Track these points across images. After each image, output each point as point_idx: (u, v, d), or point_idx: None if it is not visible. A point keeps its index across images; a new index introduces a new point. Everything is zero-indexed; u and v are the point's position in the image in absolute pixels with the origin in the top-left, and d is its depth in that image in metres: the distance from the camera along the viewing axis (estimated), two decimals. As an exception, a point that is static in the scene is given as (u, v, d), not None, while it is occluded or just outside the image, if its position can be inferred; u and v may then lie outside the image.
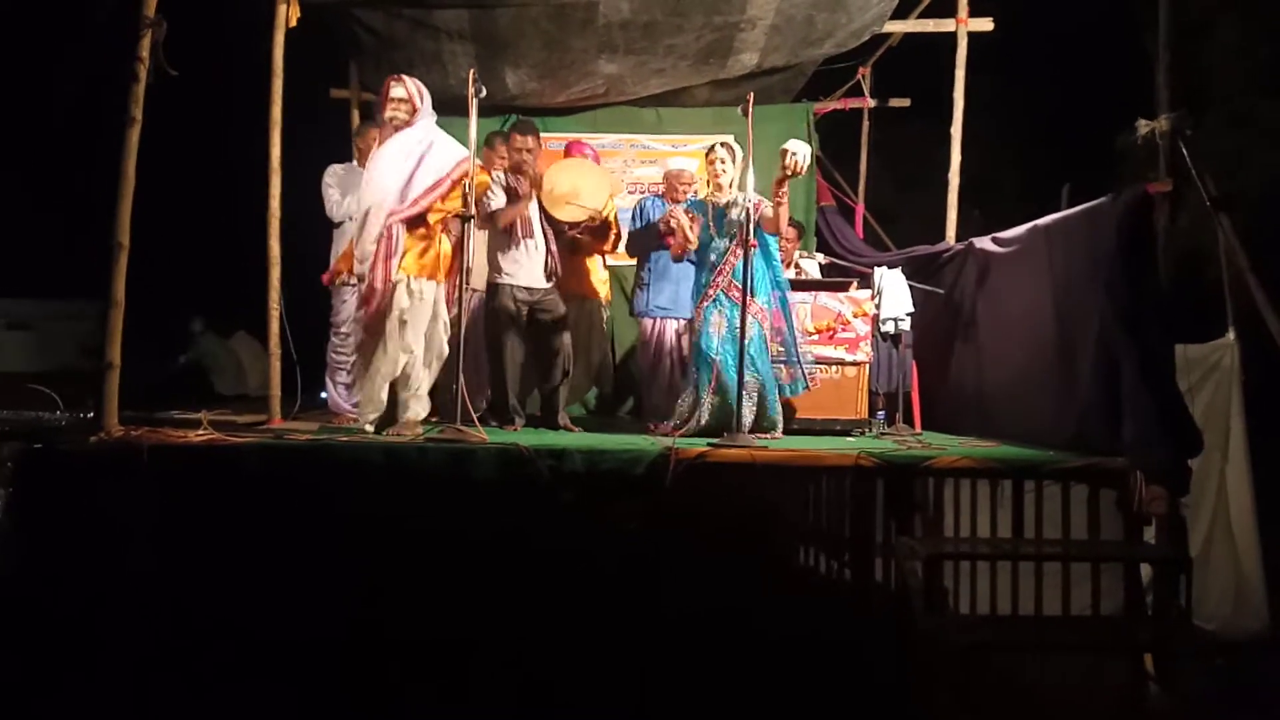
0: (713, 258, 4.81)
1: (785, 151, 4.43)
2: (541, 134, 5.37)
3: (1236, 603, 4.79)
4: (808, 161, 4.52)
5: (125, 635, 3.62)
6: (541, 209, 5.11)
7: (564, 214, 5.13)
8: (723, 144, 4.92)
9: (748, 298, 4.40)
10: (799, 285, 5.42)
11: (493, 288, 5.11)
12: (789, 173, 4.45)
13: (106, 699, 3.58)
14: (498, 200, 5.03)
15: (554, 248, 5.12)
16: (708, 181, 4.98)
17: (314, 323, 5.29)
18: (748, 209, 4.41)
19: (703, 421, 4.63)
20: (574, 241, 5.32)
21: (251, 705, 3.60)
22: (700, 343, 4.74)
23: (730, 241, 4.74)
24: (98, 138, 4.09)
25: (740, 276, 4.47)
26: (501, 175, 5.12)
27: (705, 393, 4.64)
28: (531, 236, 5.05)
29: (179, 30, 4.05)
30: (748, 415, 4.54)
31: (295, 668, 3.63)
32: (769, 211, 4.64)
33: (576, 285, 5.51)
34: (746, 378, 4.46)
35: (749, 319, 4.45)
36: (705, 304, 4.77)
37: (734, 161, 4.85)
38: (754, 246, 4.43)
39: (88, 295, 4.06)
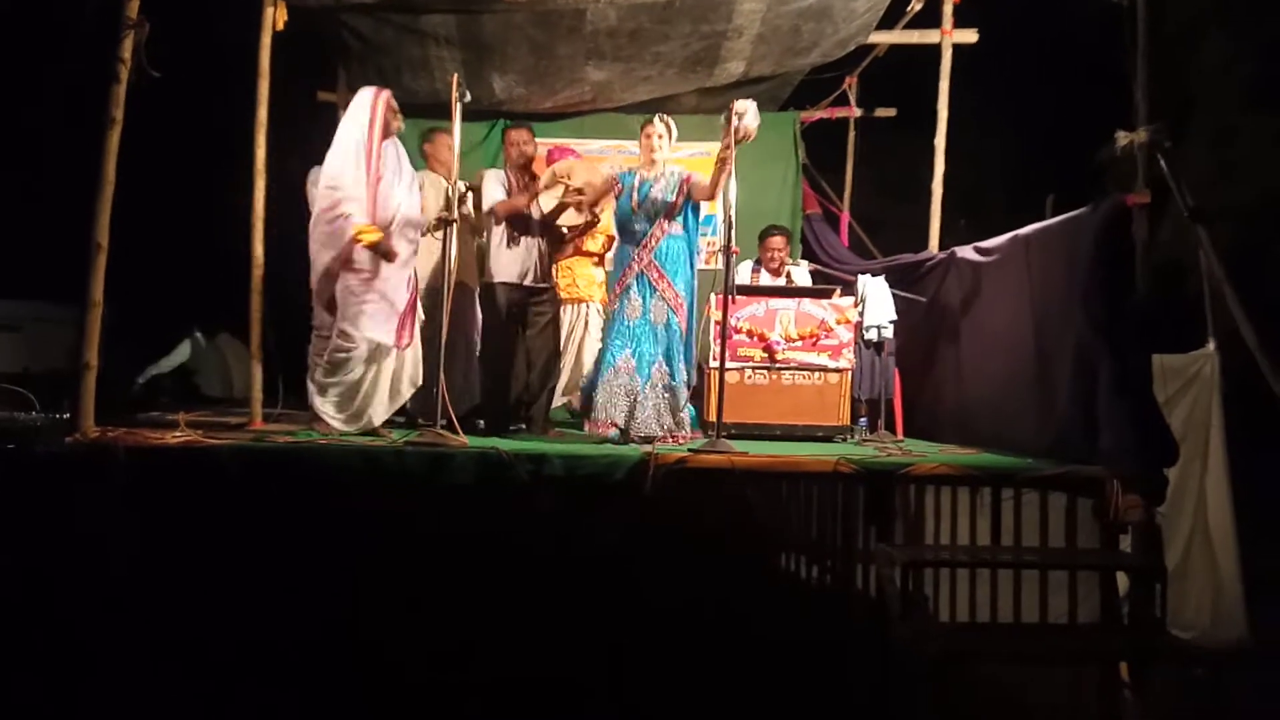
0: (635, 235, 4.65)
1: (733, 111, 4.25)
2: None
3: (1215, 612, 4.81)
4: (756, 123, 4.36)
5: (99, 638, 3.60)
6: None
7: (550, 197, 5.04)
8: (660, 118, 4.71)
9: (666, 282, 4.45)
10: (782, 292, 5.45)
11: (487, 288, 5.06)
12: (738, 136, 4.27)
13: (82, 702, 3.56)
14: (492, 195, 5.00)
15: (545, 248, 5.07)
16: (640, 155, 4.76)
17: (299, 324, 5.24)
18: (679, 183, 4.43)
19: (615, 416, 4.49)
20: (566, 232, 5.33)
21: (231, 706, 3.59)
22: (612, 326, 4.60)
23: (652, 221, 4.61)
24: (91, 137, 4.07)
25: (661, 258, 4.50)
26: (501, 173, 5.07)
27: (604, 379, 4.53)
28: (528, 234, 5.00)
29: (165, 30, 4.04)
30: (652, 412, 4.47)
31: (274, 669, 3.62)
32: (703, 180, 4.51)
33: (569, 288, 5.52)
34: (652, 371, 4.47)
35: (664, 306, 4.49)
36: (622, 285, 4.62)
37: (670, 139, 4.68)
38: (679, 230, 4.42)
39: (78, 298, 4.03)
